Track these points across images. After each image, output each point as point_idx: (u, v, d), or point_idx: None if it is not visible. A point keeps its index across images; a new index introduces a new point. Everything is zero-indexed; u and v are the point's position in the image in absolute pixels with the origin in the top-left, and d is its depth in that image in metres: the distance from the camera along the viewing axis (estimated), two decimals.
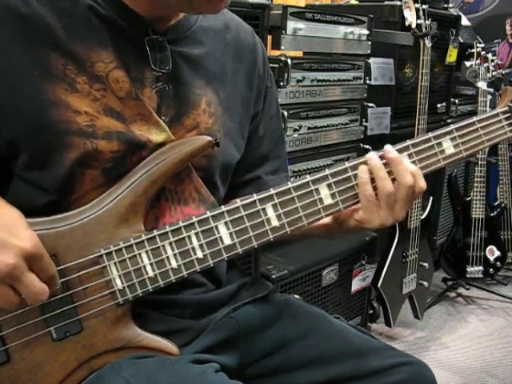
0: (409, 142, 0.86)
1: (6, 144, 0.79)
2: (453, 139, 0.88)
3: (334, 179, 0.84)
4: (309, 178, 0.84)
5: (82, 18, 0.80)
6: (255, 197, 0.82)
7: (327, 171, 0.84)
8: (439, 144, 0.87)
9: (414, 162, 0.86)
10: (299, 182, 0.84)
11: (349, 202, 0.85)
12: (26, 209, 0.79)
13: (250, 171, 1.03)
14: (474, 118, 0.89)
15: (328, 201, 0.84)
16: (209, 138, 0.85)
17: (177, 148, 0.84)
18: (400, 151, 0.86)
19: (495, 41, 2.73)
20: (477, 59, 2.49)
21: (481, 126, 0.89)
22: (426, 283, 2.36)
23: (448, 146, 0.88)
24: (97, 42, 0.80)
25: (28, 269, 0.72)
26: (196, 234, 0.81)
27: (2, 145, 0.79)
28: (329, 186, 0.84)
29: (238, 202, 0.82)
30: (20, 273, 0.70)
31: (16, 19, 0.77)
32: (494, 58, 2.52)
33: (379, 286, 2.15)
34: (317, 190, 0.84)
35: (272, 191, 0.83)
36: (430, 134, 0.87)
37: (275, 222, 0.82)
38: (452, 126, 0.88)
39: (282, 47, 1.75)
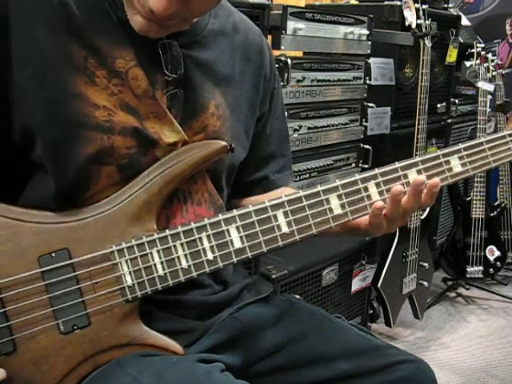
0: (418, 159, 0.88)
1: (21, 130, 0.79)
2: (461, 158, 0.90)
3: (344, 190, 0.86)
4: (319, 187, 0.85)
5: (105, 14, 0.81)
6: (267, 203, 0.84)
7: (338, 182, 0.86)
8: (447, 162, 0.89)
9: None
10: (310, 191, 0.85)
11: (358, 214, 0.86)
12: (42, 203, 0.80)
13: (258, 171, 1.04)
14: (482, 139, 0.92)
15: (338, 211, 0.86)
16: (224, 143, 0.87)
17: (192, 151, 0.85)
18: (410, 167, 0.87)
19: (495, 41, 2.73)
20: (477, 59, 2.50)
21: (488, 146, 0.92)
22: (425, 283, 2.36)
23: (456, 165, 0.90)
24: (118, 40, 0.81)
25: None
26: (207, 236, 0.82)
27: (17, 130, 0.80)
28: (339, 196, 0.86)
29: (250, 207, 0.83)
30: None
31: (45, 6, 0.77)
32: (494, 57, 2.52)
33: (379, 286, 2.15)
34: (327, 199, 0.85)
35: (284, 198, 0.84)
36: (439, 152, 0.89)
37: (285, 229, 0.84)
38: (460, 145, 0.90)
39: (282, 47, 1.75)
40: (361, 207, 0.87)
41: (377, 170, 0.87)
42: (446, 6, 2.60)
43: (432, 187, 0.85)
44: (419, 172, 0.88)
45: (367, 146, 2.14)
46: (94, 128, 0.79)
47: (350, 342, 0.96)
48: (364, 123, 2.13)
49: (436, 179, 0.85)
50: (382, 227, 0.87)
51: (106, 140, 0.80)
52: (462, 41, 2.68)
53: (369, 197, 0.87)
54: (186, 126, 0.87)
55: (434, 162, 0.89)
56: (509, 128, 0.96)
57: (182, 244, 0.81)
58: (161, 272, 0.81)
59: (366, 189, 0.87)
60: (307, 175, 1.91)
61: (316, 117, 1.93)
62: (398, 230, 2.20)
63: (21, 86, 0.78)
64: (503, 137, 0.94)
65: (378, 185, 0.87)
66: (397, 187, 0.84)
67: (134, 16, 0.77)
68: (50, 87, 0.78)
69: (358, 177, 0.87)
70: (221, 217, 0.83)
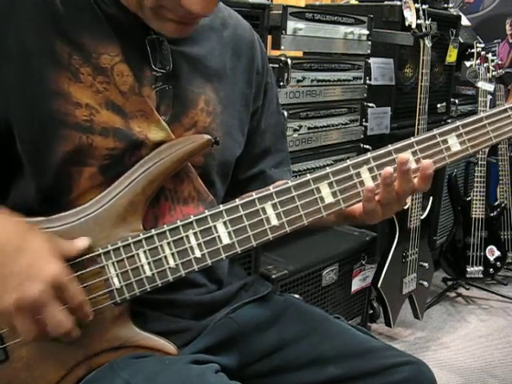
0: (413, 140, 0.84)
1: (5, 124, 0.79)
2: (459, 136, 0.85)
3: (335, 178, 0.82)
4: (309, 176, 0.82)
5: (90, 10, 0.80)
6: (254, 196, 0.81)
7: (328, 169, 0.82)
8: (445, 141, 0.84)
9: (418, 160, 0.83)
10: (299, 181, 0.82)
11: (350, 201, 0.83)
12: (26, 205, 0.80)
13: (254, 166, 1.03)
14: (482, 114, 0.86)
15: (329, 199, 0.82)
16: (208, 137, 0.85)
17: (175, 147, 0.84)
18: (404, 149, 0.83)
19: (495, 41, 2.73)
20: (477, 59, 2.49)
21: (488, 122, 0.86)
22: (425, 283, 2.36)
23: (454, 143, 0.85)
24: (104, 35, 0.81)
25: (54, 298, 0.72)
26: (194, 233, 0.80)
27: (1, 124, 0.79)
28: (330, 184, 0.82)
29: (237, 201, 0.81)
30: (42, 305, 0.71)
31: (29, 3, 0.77)
32: (494, 57, 2.52)
33: (379, 286, 2.15)
34: (317, 188, 0.82)
35: (272, 190, 0.81)
36: (436, 131, 0.85)
37: (275, 221, 0.81)
38: (458, 123, 0.85)
39: (282, 47, 1.75)
40: (353, 194, 0.83)
41: (369, 155, 0.83)
42: (446, 5, 2.59)
43: (425, 169, 0.81)
44: (415, 154, 0.83)
45: (367, 146, 2.13)
46: (72, 127, 0.79)
47: (347, 344, 0.96)
48: (364, 123, 2.13)
49: (428, 161, 0.81)
50: (377, 213, 0.83)
51: (85, 139, 0.79)
52: (461, 41, 2.68)
53: (361, 183, 0.83)
54: (176, 122, 0.87)
55: (430, 142, 0.84)
56: (510, 101, 0.92)
57: (168, 243, 0.80)
58: (148, 273, 0.79)
59: (358, 175, 0.82)
60: (307, 175, 1.91)
61: (316, 117, 1.93)
62: (397, 230, 2.20)
63: (3, 80, 0.77)
64: (504, 110, 0.87)
65: (371, 170, 0.83)
66: (387, 169, 0.80)
67: (164, 25, 0.79)
68: (31, 84, 0.78)
69: (349, 162, 0.82)
70: (207, 213, 0.80)
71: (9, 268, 0.70)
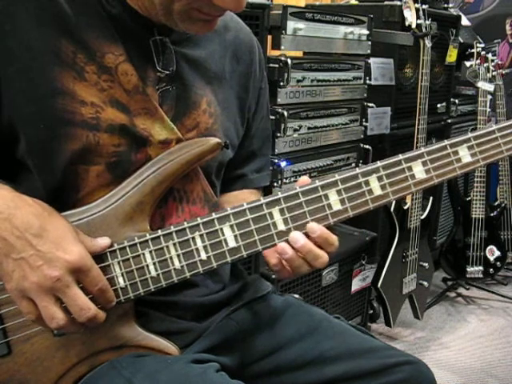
0: (423, 150, 0.84)
1: (6, 125, 0.79)
2: (470, 148, 0.84)
3: (344, 185, 0.82)
4: (318, 182, 0.82)
5: (94, 10, 0.80)
6: (262, 200, 0.81)
7: (337, 176, 0.82)
8: (455, 152, 0.84)
9: (427, 170, 0.83)
10: (308, 187, 0.82)
11: (358, 210, 0.82)
12: None
13: (238, 168, 1.04)
14: (494, 127, 0.86)
15: (337, 207, 0.82)
16: (217, 140, 0.86)
17: (185, 149, 0.84)
18: (414, 158, 0.83)
19: (495, 41, 2.73)
20: (477, 59, 2.50)
21: (501, 134, 0.85)
22: (425, 283, 2.36)
23: (465, 155, 0.84)
24: (107, 35, 0.81)
25: (75, 282, 0.72)
26: (201, 235, 0.80)
27: (3, 125, 0.79)
28: (338, 191, 0.82)
29: (245, 205, 0.81)
30: (64, 286, 0.71)
31: (33, 2, 0.77)
32: (494, 58, 2.52)
33: (379, 286, 2.15)
34: (326, 195, 0.82)
35: (280, 195, 0.81)
36: (447, 142, 0.84)
37: (281, 227, 0.81)
38: (470, 134, 0.85)
39: (282, 47, 1.75)
40: (362, 202, 0.82)
41: (379, 163, 0.83)
42: (446, 6, 2.60)
43: (321, 236, 0.80)
44: (424, 164, 0.83)
45: (367, 146, 2.14)
46: (79, 125, 0.79)
47: (348, 344, 0.96)
48: (364, 123, 2.13)
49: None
50: (285, 270, 0.83)
51: (92, 137, 0.79)
52: (461, 41, 2.68)
53: (370, 191, 0.82)
54: (178, 122, 0.87)
55: (441, 153, 0.83)
56: None
57: (174, 244, 0.80)
58: (153, 273, 0.79)
59: (367, 183, 0.82)
60: (307, 175, 1.91)
61: (316, 117, 1.93)
62: (397, 230, 2.20)
63: (7, 81, 0.77)
64: None
65: (380, 178, 0.82)
66: (297, 238, 0.80)
67: (192, 25, 0.79)
68: (36, 83, 0.77)
69: (358, 171, 0.82)
70: (214, 215, 0.80)
71: (30, 250, 0.71)
